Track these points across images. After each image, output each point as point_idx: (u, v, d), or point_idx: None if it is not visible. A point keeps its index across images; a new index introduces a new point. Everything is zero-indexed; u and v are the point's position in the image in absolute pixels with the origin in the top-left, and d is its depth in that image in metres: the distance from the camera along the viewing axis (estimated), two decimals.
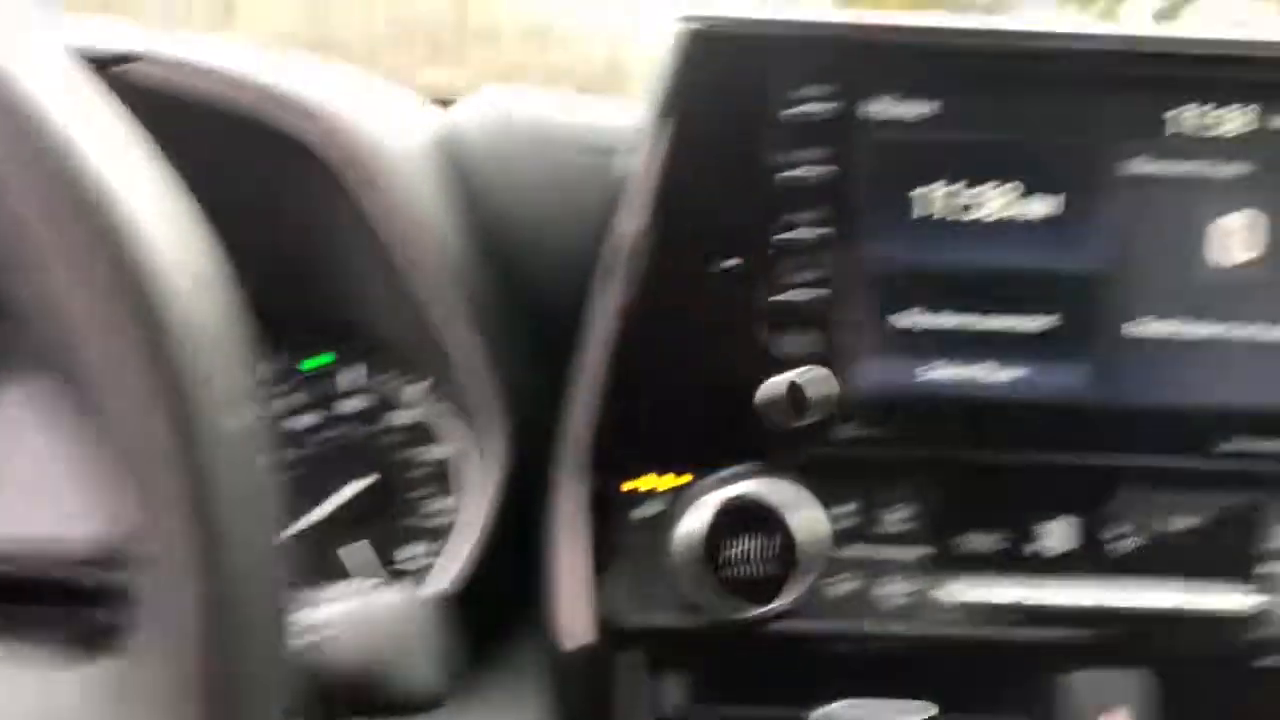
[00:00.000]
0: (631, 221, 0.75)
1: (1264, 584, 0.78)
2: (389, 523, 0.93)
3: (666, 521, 0.74)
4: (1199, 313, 0.76)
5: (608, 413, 0.76)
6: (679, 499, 0.75)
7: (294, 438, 0.97)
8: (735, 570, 0.73)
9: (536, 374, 0.81)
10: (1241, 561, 0.78)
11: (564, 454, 0.76)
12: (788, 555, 0.73)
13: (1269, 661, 0.77)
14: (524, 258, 0.86)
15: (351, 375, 0.97)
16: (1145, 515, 0.78)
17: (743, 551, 0.72)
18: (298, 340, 0.98)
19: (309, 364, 0.98)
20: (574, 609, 0.76)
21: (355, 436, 0.97)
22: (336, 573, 0.94)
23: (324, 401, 0.98)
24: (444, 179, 0.83)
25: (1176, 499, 0.79)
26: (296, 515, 0.94)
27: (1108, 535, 0.78)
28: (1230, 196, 0.76)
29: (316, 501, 0.94)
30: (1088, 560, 0.78)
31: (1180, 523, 0.78)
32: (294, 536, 0.93)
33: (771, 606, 0.73)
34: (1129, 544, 0.78)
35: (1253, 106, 0.75)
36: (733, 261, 0.75)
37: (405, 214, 0.77)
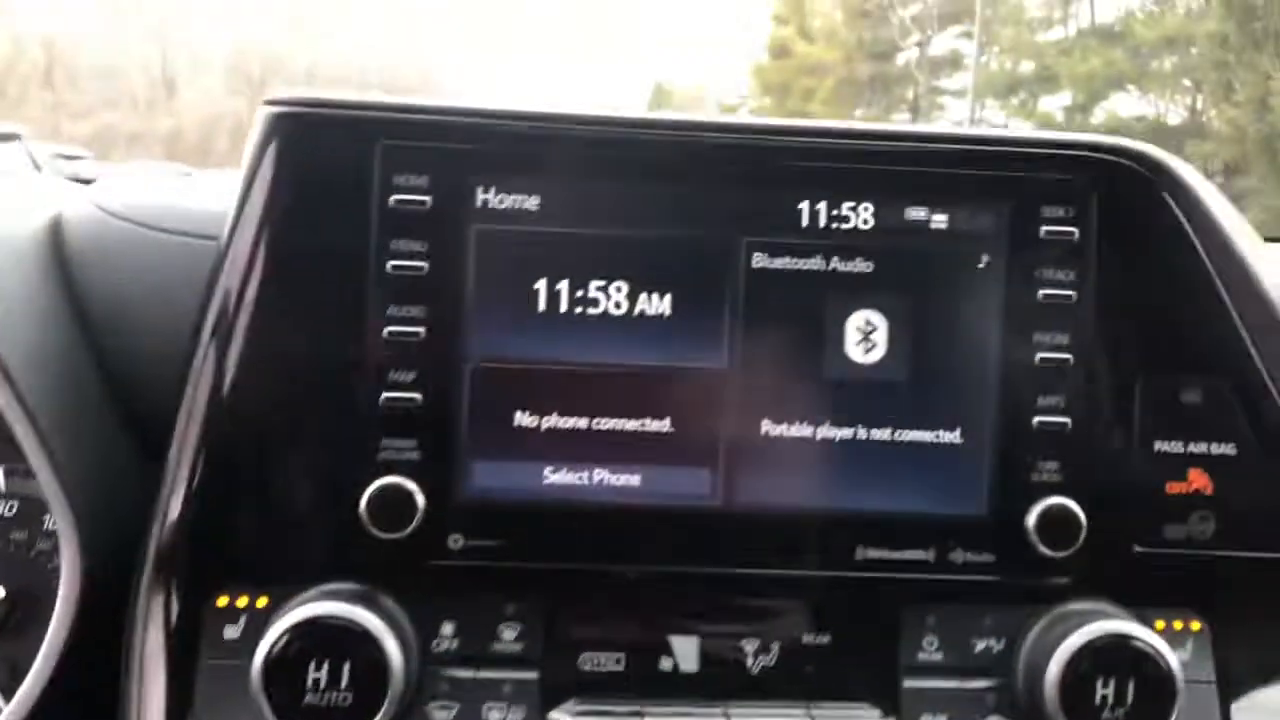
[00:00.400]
0: (217, 313, 0.70)
1: (901, 703, 0.73)
2: (36, 635, 0.86)
3: (252, 642, 0.68)
4: (829, 415, 0.73)
5: (198, 520, 0.70)
6: (267, 618, 0.69)
7: None
8: (316, 698, 0.67)
9: (139, 478, 0.75)
10: (878, 678, 0.74)
11: (148, 564, 0.70)
12: (375, 681, 0.67)
13: None
14: (125, 351, 0.81)
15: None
16: (778, 630, 0.74)
17: (323, 677, 0.67)
18: None
19: None
20: None
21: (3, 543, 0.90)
22: None
23: None
24: (43, 271, 0.78)
25: (811, 612, 0.74)
26: None
27: (738, 653, 0.74)
28: (855, 295, 0.73)
29: None
30: (717, 680, 0.73)
31: (815, 638, 0.74)
32: None
33: None
34: (761, 661, 0.74)
35: (867, 204, 0.73)
36: (331, 358, 0.71)
37: None
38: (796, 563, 0.73)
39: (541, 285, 0.72)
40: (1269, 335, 0.74)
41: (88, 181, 0.89)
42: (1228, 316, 0.74)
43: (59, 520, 0.73)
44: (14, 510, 0.90)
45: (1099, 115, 20.07)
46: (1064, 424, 0.73)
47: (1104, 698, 0.69)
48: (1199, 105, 19.71)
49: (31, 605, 0.87)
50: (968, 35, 23.88)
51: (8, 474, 0.91)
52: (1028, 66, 22.10)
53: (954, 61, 26.76)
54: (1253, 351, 0.74)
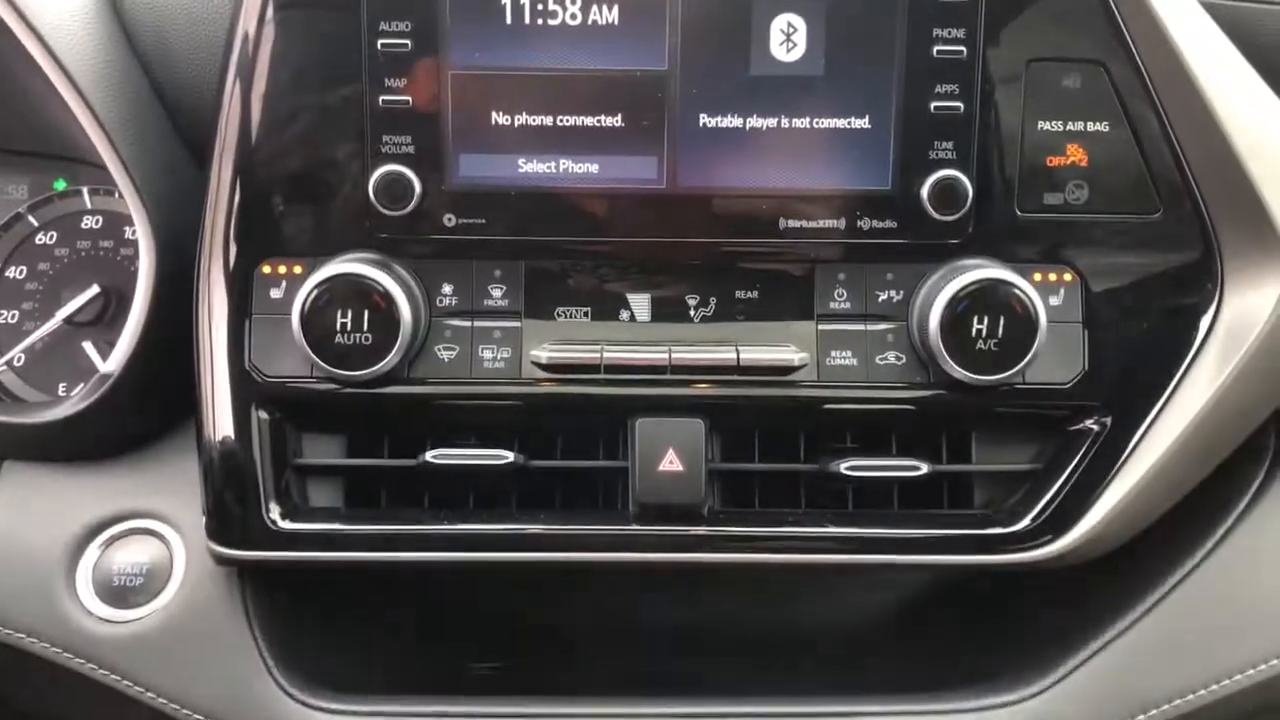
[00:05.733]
0: (240, 38, 0.85)
1: (815, 342, 0.90)
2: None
3: (292, 299, 0.86)
4: (756, 107, 0.86)
5: (241, 208, 0.87)
6: (302, 281, 0.86)
7: (43, 251, 1.10)
8: (343, 339, 0.85)
9: (196, 183, 0.92)
10: (796, 324, 0.90)
11: (205, 244, 0.88)
12: (388, 326, 0.85)
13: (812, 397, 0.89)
14: (171, 72, 0.97)
15: (86, 197, 1.10)
16: (715, 288, 0.90)
17: (348, 323, 0.85)
18: (39, 166, 1.11)
19: (59, 184, 1.10)
20: (218, 368, 0.89)
21: (92, 251, 1.10)
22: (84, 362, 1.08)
23: (67, 220, 1.11)
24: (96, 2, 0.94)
25: (741, 273, 0.90)
26: (44, 319, 1.07)
27: (682, 306, 0.90)
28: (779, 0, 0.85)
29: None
30: (664, 328, 0.90)
31: (745, 293, 0.90)
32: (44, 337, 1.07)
33: (373, 370, 0.86)
34: (701, 312, 0.90)
35: None
36: (336, 70, 0.86)
37: (47, 37, 0.87)
38: (730, 233, 0.88)
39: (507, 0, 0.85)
40: (1140, 22, 0.85)
41: None
42: (1103, 6, 0.85)
43: (138, 227, 0.91)
44: (100, 224, 1.09)
45: None
46: (957, 108, 0.86)
47: (978, 331, 0.85)
48: None
49: (122, 301, 1.07)
50: None
51: (92, 193, 1.09)
52: None
53: None
54: (1126, 37, 0.85)
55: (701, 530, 0.88)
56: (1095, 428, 0.90)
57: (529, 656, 1.05)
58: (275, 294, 0.88)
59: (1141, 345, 0.90)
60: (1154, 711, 0.89)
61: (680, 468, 0.88)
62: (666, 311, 0.91)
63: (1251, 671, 0.89)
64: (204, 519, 0.89)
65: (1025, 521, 0.90)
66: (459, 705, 0.90)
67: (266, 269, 0.88)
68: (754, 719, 0.89)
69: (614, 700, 0.91)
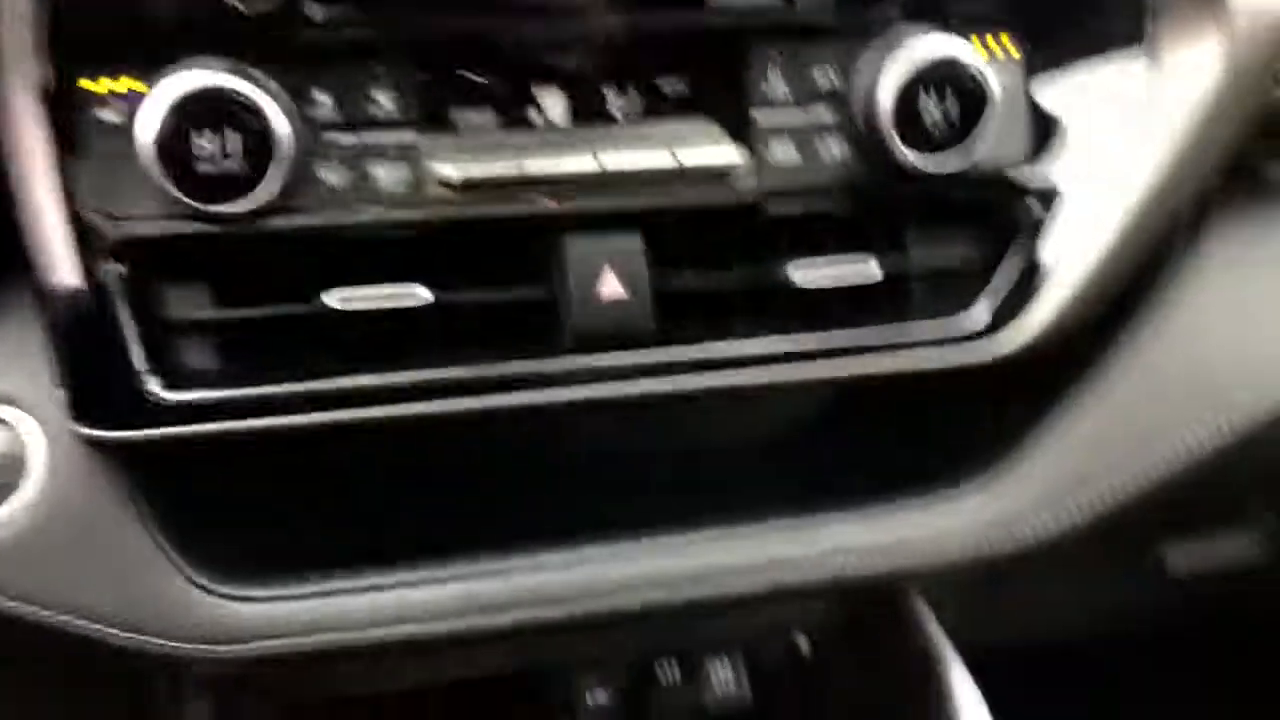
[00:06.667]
0: None
1: (752, 134, 0.80)
2: None
3: (131, 121, 0.70)
4: None
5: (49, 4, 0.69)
6: (143, 98, 0.70)
7: None
8: (202, 167, 0.70)
9: None
10: (731, 117, 0.80)
11: (4, 45, 0.70)
12: (259, 147, 0.70)
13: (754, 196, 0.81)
14: None
15: None
16: (640, 78, 0.79)
17: (207, 147, 0.69)
18: None
19: None
20: (49, 215, 0.72)
21: None
22: None
23: None
24: None
25: (668, 60, 0.79)
26: None
27: (603, 102, 0.78)
28: None
29: None
30: (582, 129, 0.78)
31: (673, 85, 0.79)
32: None
33: (247, 201, 0.71)
34: (624, 108, 0.79)
35: None
36: None
37: None
38: (652, 11, 0.76)
39: None
40: None
41: None
42: None
43: None
44: None
45: None
46: None
47: (926, 111, 0.78)
48: None
49: None
50: None
51: None
52: None
53: None
54: None
55: (652, 358, 0.79)
56: (1044, 215, 0.85)
57: (450, 514, 0.95)
58: (108, 116, 0.72)
59: (1086, 122, 0.85)
60: (1110, 501, 0.88)
61: (620, 289, 0.78)
62: (585, 110, 0.79)
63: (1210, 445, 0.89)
64: (64, 397, 0.74)
65: (980, 315, 0.85)
66: (386, 576, 0.80)
67: (89, 84, 0.71)
68: (693, 545, 0.83)
69: (544, 548, 0.83)
